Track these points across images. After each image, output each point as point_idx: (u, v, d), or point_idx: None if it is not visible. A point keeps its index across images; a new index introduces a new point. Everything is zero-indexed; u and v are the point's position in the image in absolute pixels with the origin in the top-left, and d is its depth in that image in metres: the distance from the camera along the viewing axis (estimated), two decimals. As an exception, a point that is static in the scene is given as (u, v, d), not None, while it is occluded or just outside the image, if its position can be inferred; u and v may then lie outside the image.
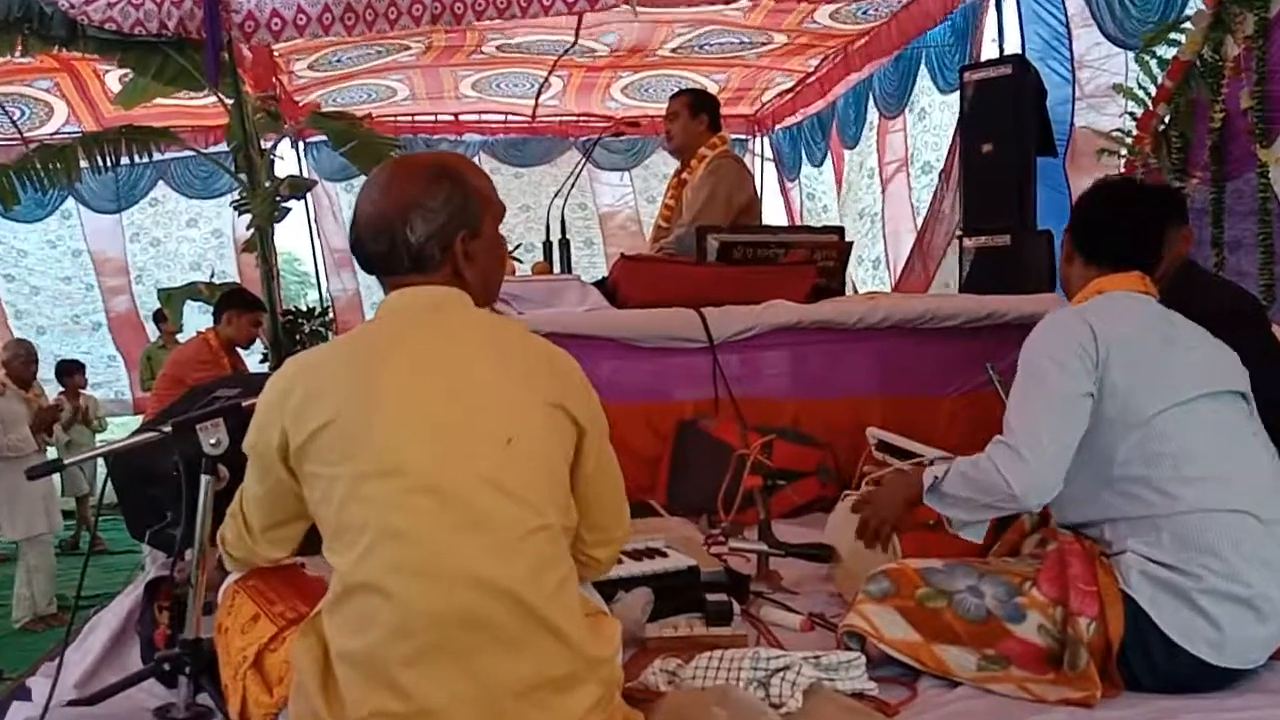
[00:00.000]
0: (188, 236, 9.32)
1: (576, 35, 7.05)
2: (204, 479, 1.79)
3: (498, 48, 7.45)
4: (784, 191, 9.57)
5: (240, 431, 1.69)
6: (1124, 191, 2.22)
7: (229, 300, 5.47)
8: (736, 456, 2.93)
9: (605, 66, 7.86)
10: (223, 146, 7.12)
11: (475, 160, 9.30)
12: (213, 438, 1.79)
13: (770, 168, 9.72)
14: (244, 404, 1.82)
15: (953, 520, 1.97)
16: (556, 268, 4.06)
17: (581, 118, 9.17)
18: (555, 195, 4.11)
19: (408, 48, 7.30)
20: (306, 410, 1.46)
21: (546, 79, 8.17)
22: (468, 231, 1.56)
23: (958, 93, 5.01)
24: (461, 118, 9.22)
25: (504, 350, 1.54)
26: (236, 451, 1.70)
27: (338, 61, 7.33)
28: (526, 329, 1.61)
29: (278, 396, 1.50)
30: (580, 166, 4.65)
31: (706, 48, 7.57)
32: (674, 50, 7.58)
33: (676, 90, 4.53)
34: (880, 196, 7.44)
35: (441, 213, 1.55)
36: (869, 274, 7.85)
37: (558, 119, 9.27)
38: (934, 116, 6.71)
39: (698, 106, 4.25)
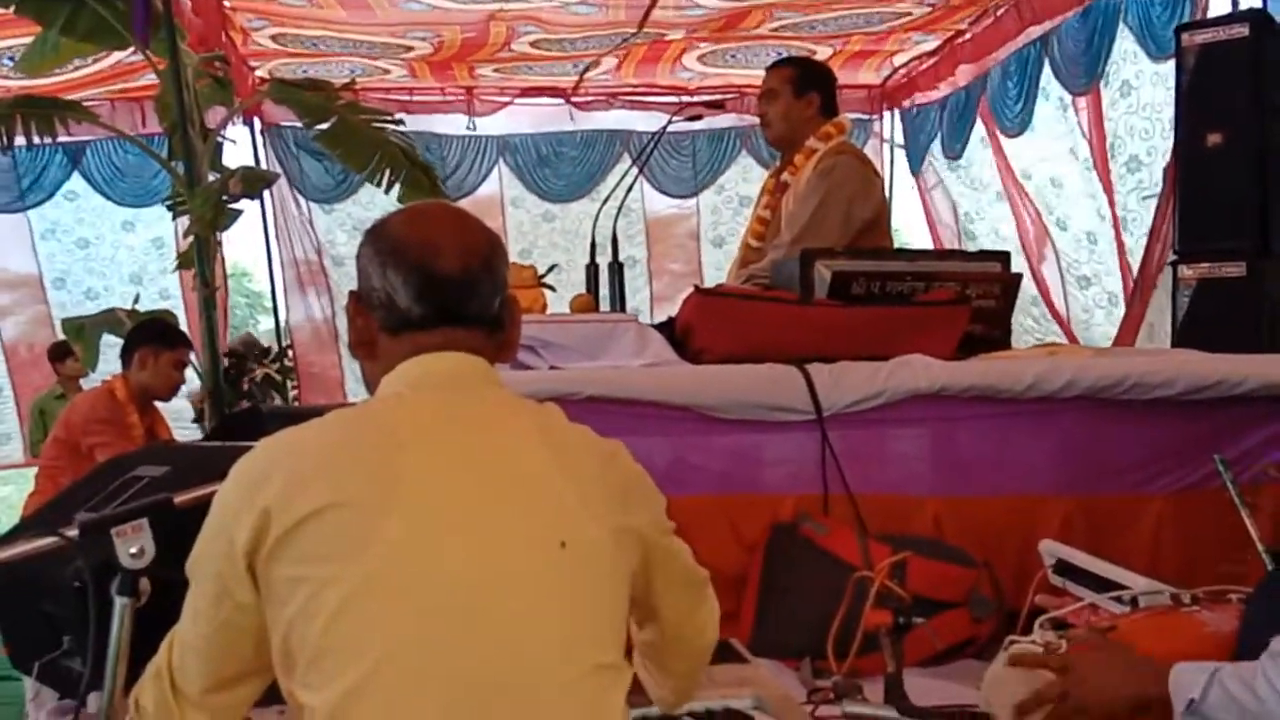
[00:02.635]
0: (124, 242, 9.53)
1: (644, 20, 7.12)
2: (119, 601, 1.82)
3: (532, 44, 7.54)
4: (921, 194, 9.55)
5: (172, 533, 1.73)
6: None
7: (144, 335, 5.57)
8: (855, 579, 2.90)
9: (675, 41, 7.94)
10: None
11: (495, 175, 9.45)
12: (133, 545, 1.81)
13: (902, 158, 9.73)
14: (177, 499, 1.85)
15: None
16: (604, 303, 4.09)
17: (641, 94, 9.26)
18: (604, 201, 4.17)
19: (409, 48, 7.42)
20: (293, 494, 1.51)
21: (597, 60, 8.24)
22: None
23: (1173, 61, 4.99)
24: (477, 94, 9.36)
25: (551, 438, 1.64)
26: (166, 564, 1.73)
27: (312, 44, 7.53)
28: (564, 415, 1.70)
29: (249, 484, 1.55)
30: (635, 179, 4.71)
31: (819, 27, 7.65)
32: (774, 31, 7.67)
33: (775, 59, 4.57)
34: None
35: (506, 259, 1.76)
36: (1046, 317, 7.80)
37: (608, 97, 9.38)
38: (1142, 93, 6.66)
39: (805, 82, 4.28)
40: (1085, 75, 7.04)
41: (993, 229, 8.54)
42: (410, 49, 7.54)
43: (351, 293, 1.74)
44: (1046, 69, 7.45)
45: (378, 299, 1.68)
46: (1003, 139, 8.10)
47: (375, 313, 1.69)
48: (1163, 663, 1.99)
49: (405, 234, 1.70)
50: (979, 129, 8.36)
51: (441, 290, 1.66)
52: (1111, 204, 6.99)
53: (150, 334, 5.58)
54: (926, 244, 9.52)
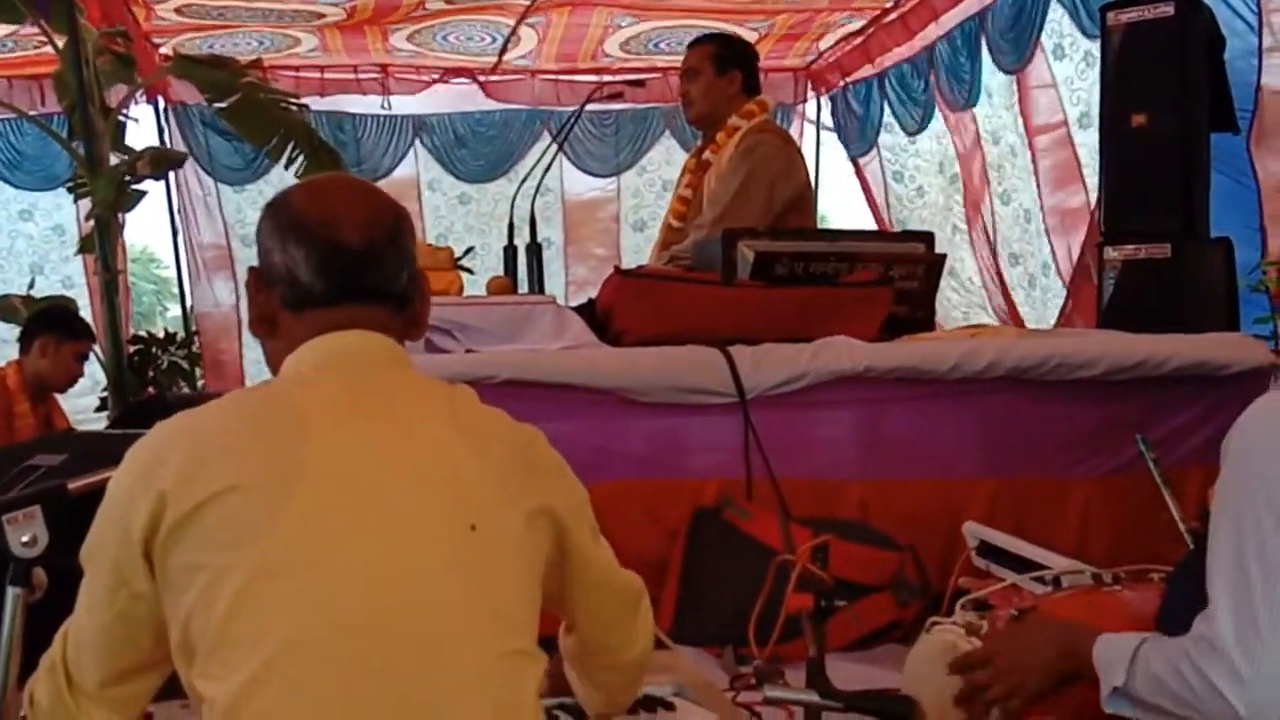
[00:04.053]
0: (23, 231, 9.35)
1: None
2: (11, 591, 1.79)
3: (447, 1, 7.49)
4: (859, 173, 9.58)
5: (67, 522, 1.70)
6: None
7: (45, 322, 5.47)
8: (777, 563, 2.92)
9: (598, 2, 7.90)
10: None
11: (411, 156, 9.37)
12: (25, 533, 1.78)
13: (833, 141, 9.77)
14: (71, 485, 1.82)
15: None
16: (523, 285, 4.08)
17: (563, 74, 9.24)
18: (524, 179, 4.16)
19: (320, 15, 7.35)
20: (191, 477, 1.48)
21: (514, 31, 8.20)
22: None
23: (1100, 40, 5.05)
24: (392, 73, 9.26)
25: (462, 420, 1.61)
26: (62, 553, 1.70)
27: (219, 14, 7.41)
28: (476, 398, 1.68)
29: (145, 467, 1.52)
30: (554, 156, 4.71)
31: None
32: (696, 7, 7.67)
33: (697, 37, 4.58)
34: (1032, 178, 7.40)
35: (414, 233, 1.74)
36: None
37: (528, 74, 9.34)
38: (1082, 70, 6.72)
39: (726, 59, 4.30)
40: (1016, 50, 7.09)
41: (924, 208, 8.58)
42: (322, 15, 7.43)
43: (251, 268, 1.70)
44: (984, 44, 7.48)
45: (278, 274, 1.65)
46: (951, 113, 8.14)
47: (276, 289, 1.66)
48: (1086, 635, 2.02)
49: (306, 207, 1.67)
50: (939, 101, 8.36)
51: (344, 264, 1.64)
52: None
53: (52, 321, 5.48)
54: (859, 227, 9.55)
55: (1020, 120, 7.22)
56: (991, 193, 7.74)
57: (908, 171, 8.88)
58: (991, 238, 7.76)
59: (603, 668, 1.88)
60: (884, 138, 9.01)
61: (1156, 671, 1.89)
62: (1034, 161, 7.11)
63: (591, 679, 1.91)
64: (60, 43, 6.04)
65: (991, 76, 7.49)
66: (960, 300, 8.14)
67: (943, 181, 8.37)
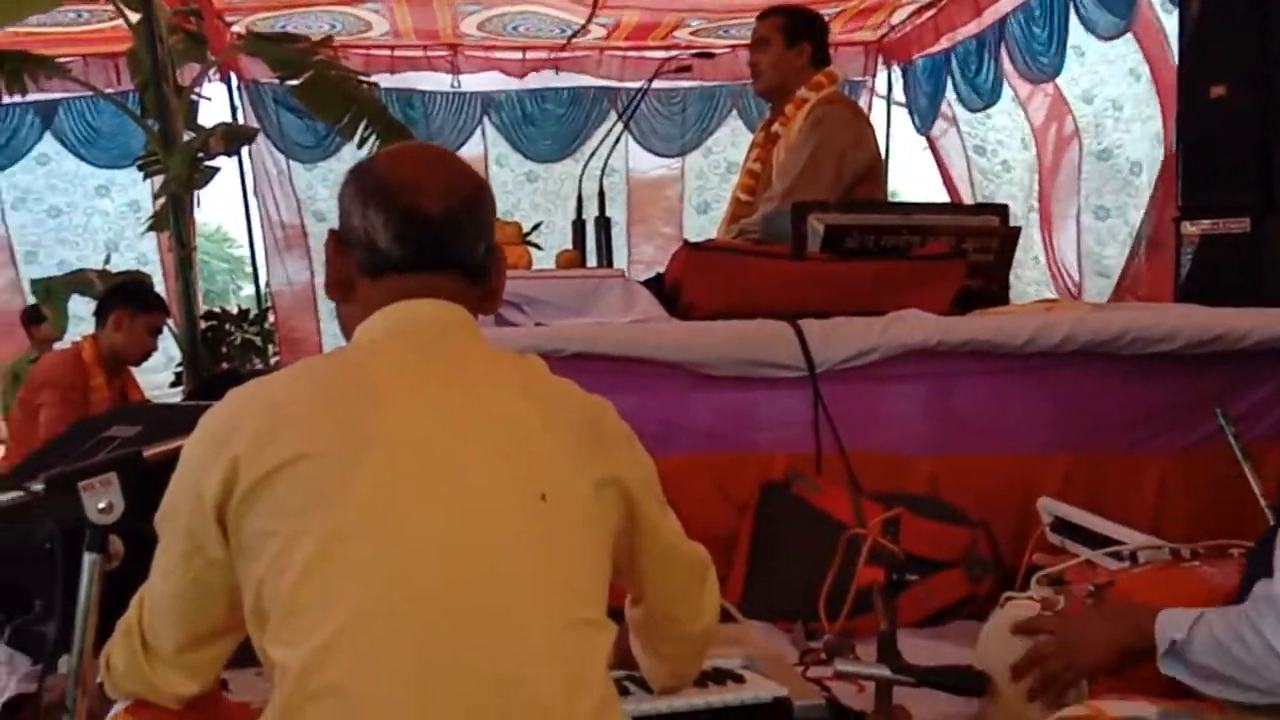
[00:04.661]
0: (99, 208, 9.48)
1: None
2: (88, 557, 1.81)
3: None
4: (933, 147, 9.49)
5: (143, 491, 1.71)
6: None
7: (120, 295, 5.52)
8: (848, 538, 2.91)
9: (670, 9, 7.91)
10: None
11: (479, 134, 9.40)
12: (101, 500, 1.80)
13: (903, 116, 9.68)
14: (147, 452, 1.84)
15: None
16: (591, 259, 4.08)
17: (631, 50, 9.22)
18: (590, 156, 4.16)
19: None
20: (264, 444, 1.49)
21: (585, 25, 8.20)
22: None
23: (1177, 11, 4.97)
24: (461, 51, 9.30)
25: (533, 390, 1.62)
26: (136, 520, 1.72)
27: None
28: (546, 368, 1.69)
29: (218, 434, 1.54)
30: (621, 134, 4.70)
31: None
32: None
33: (767, 8, 4.54)
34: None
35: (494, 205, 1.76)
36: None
37: (597, 51, 9.32)
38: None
39: (796, 31, 4.27)
40: (1117, 16, 6.97)
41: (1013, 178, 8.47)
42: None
43: (331, 231, 1.71)
44: (1073, 9, 7.37)
45: (357, 239, 1.66)
46: (1028, 85, 8.02)
47: (354, 253, 1.67)
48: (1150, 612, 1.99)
49: (389, 173, 1.68)
50: (1004, 76, 8.24)
51: (423, 231, 1.64)
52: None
53: (127, 295, 5.54)
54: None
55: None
56: (1085, 151, 7.64)
57: (989, 146, 8.75)
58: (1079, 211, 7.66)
59: (669, 639, 1.88)
60: (959, 111, 8.90)
61: (1217, 634, 1.87)
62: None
63: (657, 651, 1.91)
64: (134, 20, 6.11)
65: (1084, 37, 7.40)
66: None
67: (1028, 157, 8.26)
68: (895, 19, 9.06)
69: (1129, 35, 7.06)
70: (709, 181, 9.91)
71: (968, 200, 8.81)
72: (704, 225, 9.34)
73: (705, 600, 1.87)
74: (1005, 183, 8.60)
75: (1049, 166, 7.95)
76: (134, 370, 5.61)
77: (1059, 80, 7.71)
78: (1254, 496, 2.77)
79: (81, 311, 7.58)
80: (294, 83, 6.64)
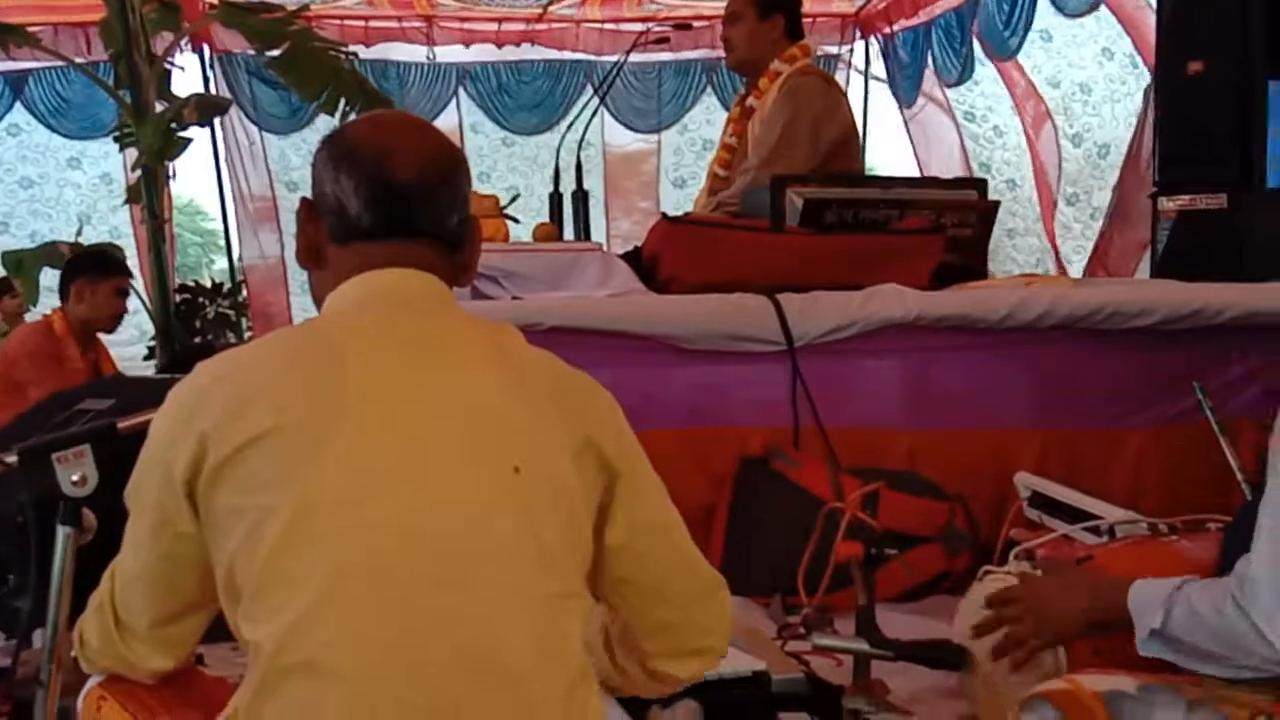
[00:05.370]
0: (71, 180, 9.42)
1: None
2: (61, 530, 1.79)
3: None
4: (910, 124, 9.48)
5: (116, 463, 1.69)
6: None
7: (78, 265, 5.48)
8: (826, 512, 2.90)
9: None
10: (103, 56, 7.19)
11: (454, 105, 9.37)
12: (75, 472, 1.78)
13: (880, 90, 9.68)
14: (120, 424, 1.82)
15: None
16: (568, 232, 4.06)
17: (608, 22, 9.20)
18: (567, 130, 4.15)
19: None
20: (232, 418, 1.47)
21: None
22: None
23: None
24: (437, 22, 9.26)
25: (508, 360, 1.59)
26: (110, 494, 1.70)
27: None
28: (522, 338, 1.65)
29: (185, 409, 1.51)
30: (596, 109, 4.69)
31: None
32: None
33: (738, -19, 4.52)
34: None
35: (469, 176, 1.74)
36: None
37: (573, 23, 9.30)
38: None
39: (769, 3, 4.26)
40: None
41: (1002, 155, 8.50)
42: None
43: (303, 199, 1.69)
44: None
45: (328, 205, 1.64)
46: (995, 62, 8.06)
47: (325, 220, 1.65)
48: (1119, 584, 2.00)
49: (362, 139, 1.66)
50: (978, 51, 8.27)
51: (393, 197, 1.62)
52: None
53: (84, 265, 5.49)
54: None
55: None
56: (1060, 133, 7.67)
57: (978, 111, 8.74)
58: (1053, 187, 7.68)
59: (669, 653, 1.70)
60: (943, 82, 8.89)
61: (1198, 608, 1.87)
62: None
63: (654, 667, 1.73)
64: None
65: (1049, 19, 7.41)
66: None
67: (1019, 123, 8.26)
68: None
69: (1100, 13, 7.08)
70: (685, 157, 9.91)
71: (963, 169, 8.79)
72: (680, 200, 9.35)
73: (712, 617, 1.73)
74: (999, 148, 8.61)
75: (1032, 141, 7.98)
76: (106, 342, 5.57)
77: (1022, 62, 7.73)
78: (1230, 471, 2.78)
79: (52, 284, 7.55)
80: (273, 54, 6.58)
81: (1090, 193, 7.41)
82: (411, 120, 1.78)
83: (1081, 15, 7.13)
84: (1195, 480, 3.14)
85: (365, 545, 1.42)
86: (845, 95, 4.46)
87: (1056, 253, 7.70)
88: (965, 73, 8.46)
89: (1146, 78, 6.74)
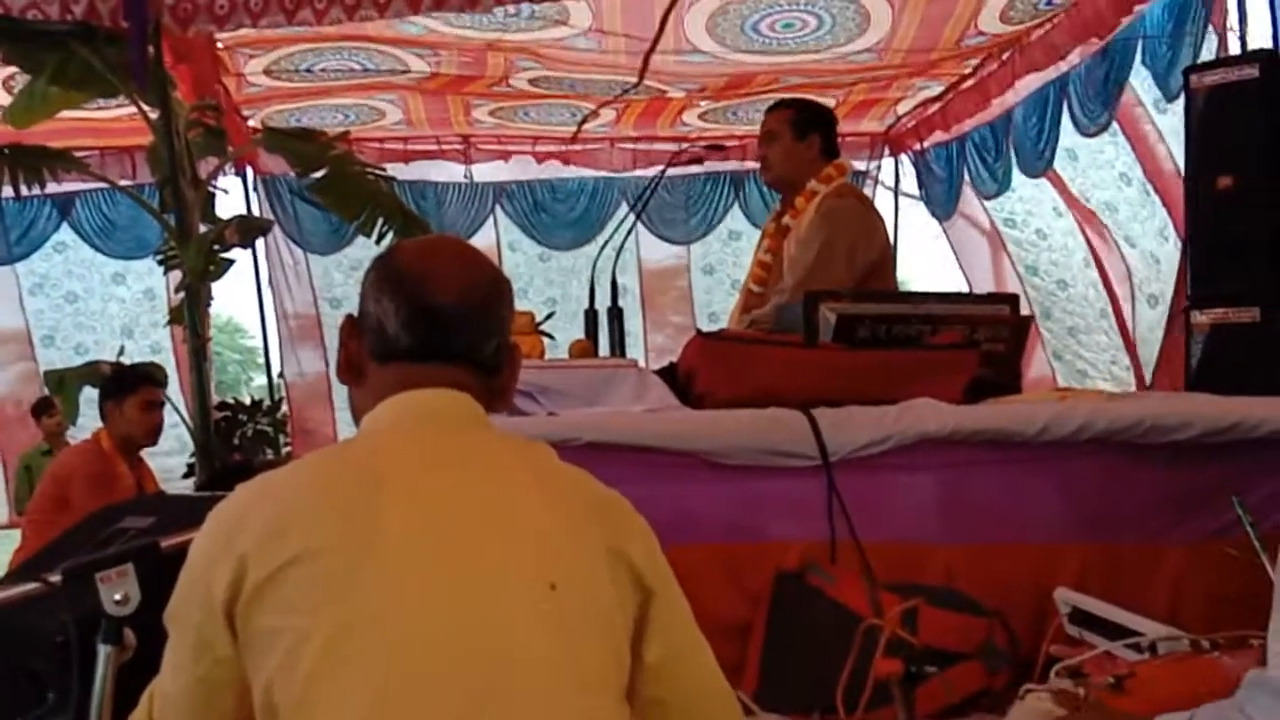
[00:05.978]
0: (115, 294, 9.56)
1: (641, 74, 7.24)
2: (102, 649, 1.80)
3: (531, 81, 7.62)
4: (949, 235, 9.54)
5: (157, 581, 1.70)
6: None
7: (104, 389, 5.59)
8: (864, 628, 2.89)
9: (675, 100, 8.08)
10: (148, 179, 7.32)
11: (490, 222, 9.50)
12: (118, 591, 1.80)
13: (911, 206, 9.76)
14: (164, 543, 1.84)
15: None
16: (603, 348, 4.09)
17: (641, 141, 9.34)
18: (602, 247, 4.19)
19: (406, 69, 7.50)
20: (272, 539, 1.49)
21: (595, 111, 8.37)
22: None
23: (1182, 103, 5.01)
24: (474, 142, 9.44)
25: (542, 476, 1.62)
26: (148, 611, 1.71)
27: (307, 70, 7.54)
28: (554, 454, 1.69)
29: (226, 529, 1.54)
30: (634, 225, 4.76)
31: (825, 75, 7.75)
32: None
33: (775, 101, 4.60)
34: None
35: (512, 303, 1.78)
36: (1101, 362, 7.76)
37: (607, 142, 9.46)
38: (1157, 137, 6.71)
39: (805, 123, 4.31)
40: (1098, 113, 7.06)
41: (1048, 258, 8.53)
42: (407, 69, 7.51)
43: (348, 315, 1.74)
44: (1066, 108, 7.46)
45: (370, 324, 1.68)
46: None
47: (367, 337, 1.69)
48: (1183, 706, 1.97)
49: (407, 262, 1.70)
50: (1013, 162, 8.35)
51: (429, 321, 1.66)
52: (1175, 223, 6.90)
53: (108, 388, 5.61)
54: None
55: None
56: (1112, 240, 7.71)
57: (1018, 217, 8.76)
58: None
59: None
60: (979, 193, 8.97)
61: None
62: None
63: None
64: (153, 117, 6.18)
65: (1070, 138, 7.49)
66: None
67: (1064, 223, 8.28)
68: (901, 109, 9.15)
69: (1115, 139, 7.17)
70: (711, 248, 10.07)
71: (1009, 277, 8.86)
72: (710, 285, 9.77)
73: None
74: (1045, 249, 8.61)
75: (1088, 235, 8.02)
76: (147, 454, 5.63)
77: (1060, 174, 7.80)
78: (1271, 587, 2.74)
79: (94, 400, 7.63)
80: (315, 176, 6.72)
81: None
82: (458, 245, 1.83)
83: (1095, 134, 7.21)
84: (1236, 596, 3.09)
85: (404, 665, 1.43)
86: (880, 215, 4.50)
87: (1131, 348, 7.64)
88: (1003, 186, 8.52)
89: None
